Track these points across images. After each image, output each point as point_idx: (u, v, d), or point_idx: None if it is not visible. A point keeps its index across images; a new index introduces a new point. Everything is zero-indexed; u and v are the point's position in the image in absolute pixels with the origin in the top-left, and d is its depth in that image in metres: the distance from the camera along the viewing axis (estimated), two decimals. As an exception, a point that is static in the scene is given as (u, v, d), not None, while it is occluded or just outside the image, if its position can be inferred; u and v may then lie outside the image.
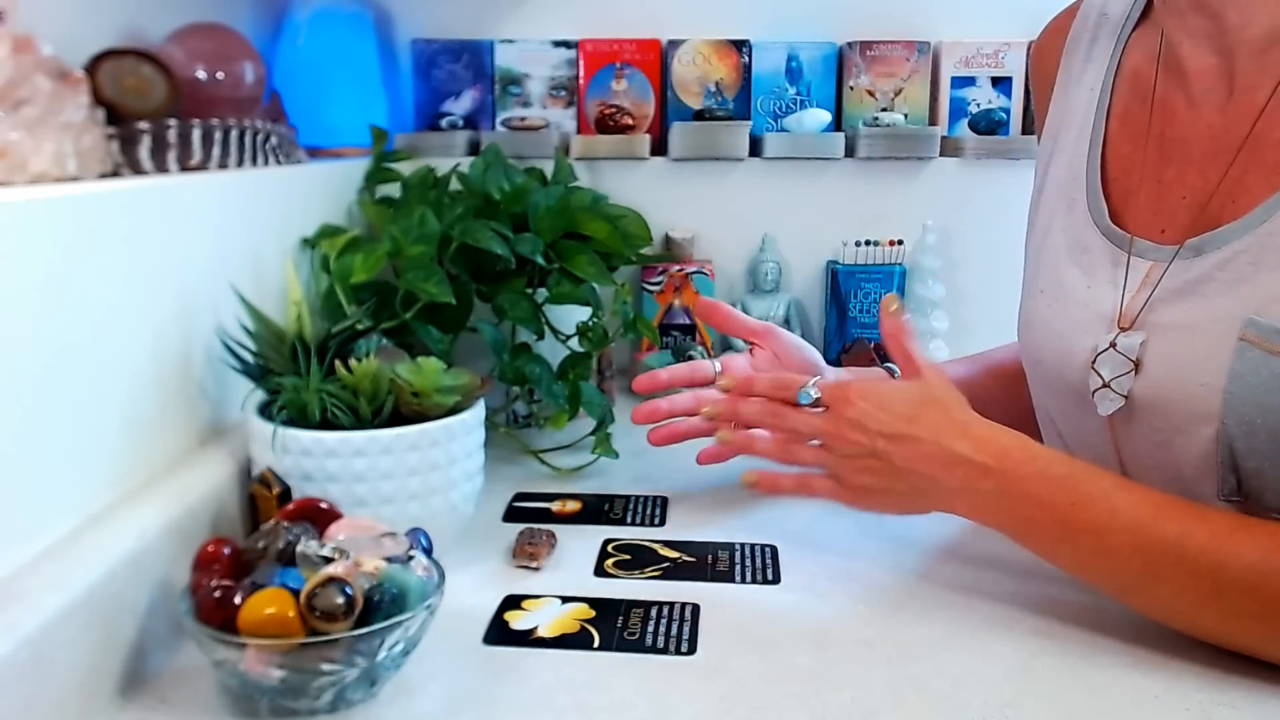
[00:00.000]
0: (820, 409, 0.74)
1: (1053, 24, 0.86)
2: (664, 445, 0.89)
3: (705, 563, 0.76)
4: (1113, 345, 0.68)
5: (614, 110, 1.29)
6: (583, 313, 0.99)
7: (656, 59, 1.33)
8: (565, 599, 0.70)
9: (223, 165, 0.86)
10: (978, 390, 0.85)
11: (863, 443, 0.70)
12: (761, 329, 0.93)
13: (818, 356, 0.93)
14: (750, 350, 0.94)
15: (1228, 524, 0.59)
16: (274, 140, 0.95)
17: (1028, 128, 1.32)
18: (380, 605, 0.55)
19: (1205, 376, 0.63)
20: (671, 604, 0.69)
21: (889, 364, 0.92)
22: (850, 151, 1.30)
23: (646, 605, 0.69)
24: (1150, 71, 0.74)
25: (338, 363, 0.72)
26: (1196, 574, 0.58)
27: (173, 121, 0.79)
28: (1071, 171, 0.77)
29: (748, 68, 1.32)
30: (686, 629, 0.66)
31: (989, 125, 1.30)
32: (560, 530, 0.81)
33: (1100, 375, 0.69)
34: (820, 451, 0.74)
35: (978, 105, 1.33)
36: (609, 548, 0.79)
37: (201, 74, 0.88)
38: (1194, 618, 0.60)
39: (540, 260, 0.97)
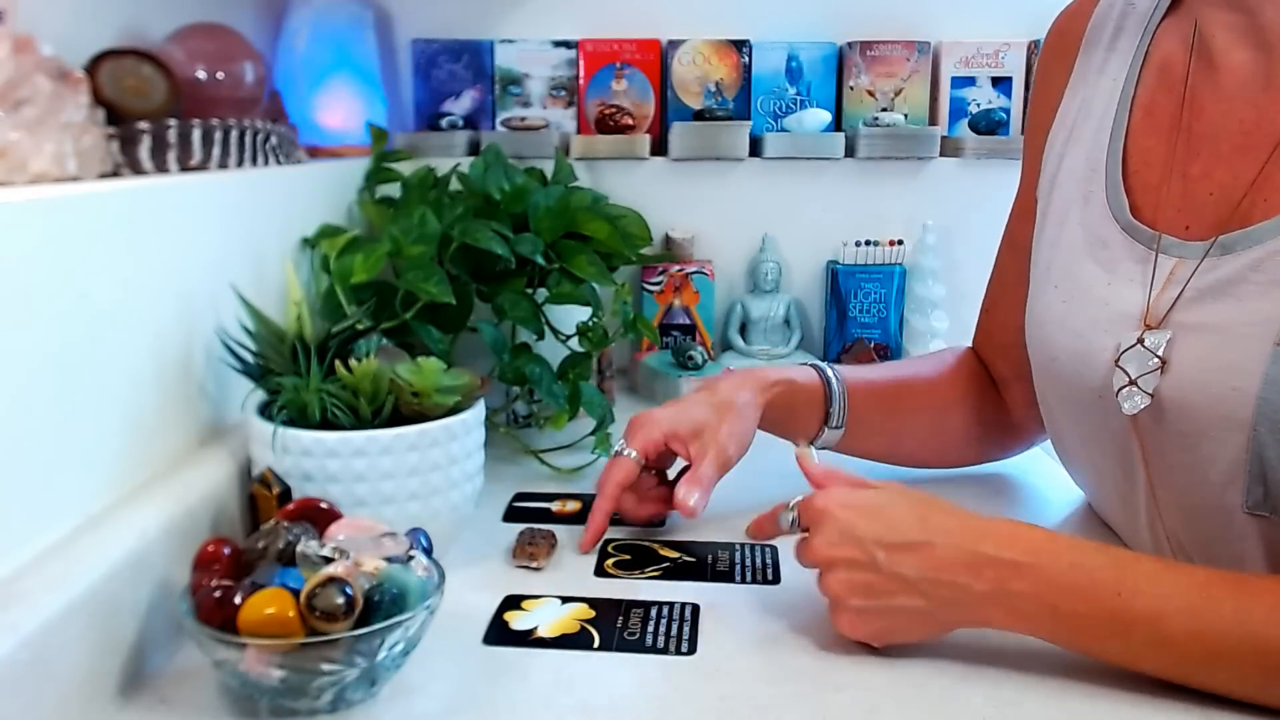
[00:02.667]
0: (801, 536, 0.66)
1: (1073, 8, 0.84)
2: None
3: (705, 563, 0.76)
4: (1140, 342, 0.66)
5: (614, 110, 1.29)
6: (583, 313, 0.99)
7: (656, 59, 1.33)
8: (565, 599, 0.70)
9: (223, 165, 0.86)
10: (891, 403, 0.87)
11: (856, 557, 0.61)
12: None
13: None
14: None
15: None
16: (274, 140, 0.95)
17: (1028, 128, 1.32)
18: (380, 605, 0.55)
19: (1237, 380, 0.61)
20: (671, 604, 0.69)
21: None
22: (850, 151, 1.30)
23: (646, 605, 0.69)
24: (1181, 62, 0.72)
25: (338, 363, 0.71)
26: (1261, 652, 0.55)
27: (173, 121, 0.79)
28: (1089, 163, 0.75)
29: (748, 68, 1.32)
30: (686, 629, 0.66)
31: (989, 125, 1.30)
32: (560, 530, 0.81)
33: (1126, 373, 0.67)
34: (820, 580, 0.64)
35: (978, 105, 1.33)
36: (609, 548, 0.79)
37: (201, 74, 0.88)
38: (1259, 695, 0.56)
39: (540, 260, 0.97)
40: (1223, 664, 0.56)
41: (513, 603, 0.70)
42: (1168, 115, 0.72)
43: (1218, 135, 0.68)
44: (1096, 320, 0.71)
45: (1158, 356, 0.65)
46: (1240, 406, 0.61)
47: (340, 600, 0.53)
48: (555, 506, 0.88)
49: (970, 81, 1.33)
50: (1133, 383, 0.66)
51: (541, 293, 0.98)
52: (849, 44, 1.32)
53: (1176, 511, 0.69)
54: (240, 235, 0.83)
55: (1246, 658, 0.55)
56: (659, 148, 1.32)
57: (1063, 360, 0.74)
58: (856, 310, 1.29)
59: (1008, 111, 1.32)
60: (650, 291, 1.29)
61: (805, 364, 0.89)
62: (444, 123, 1.30)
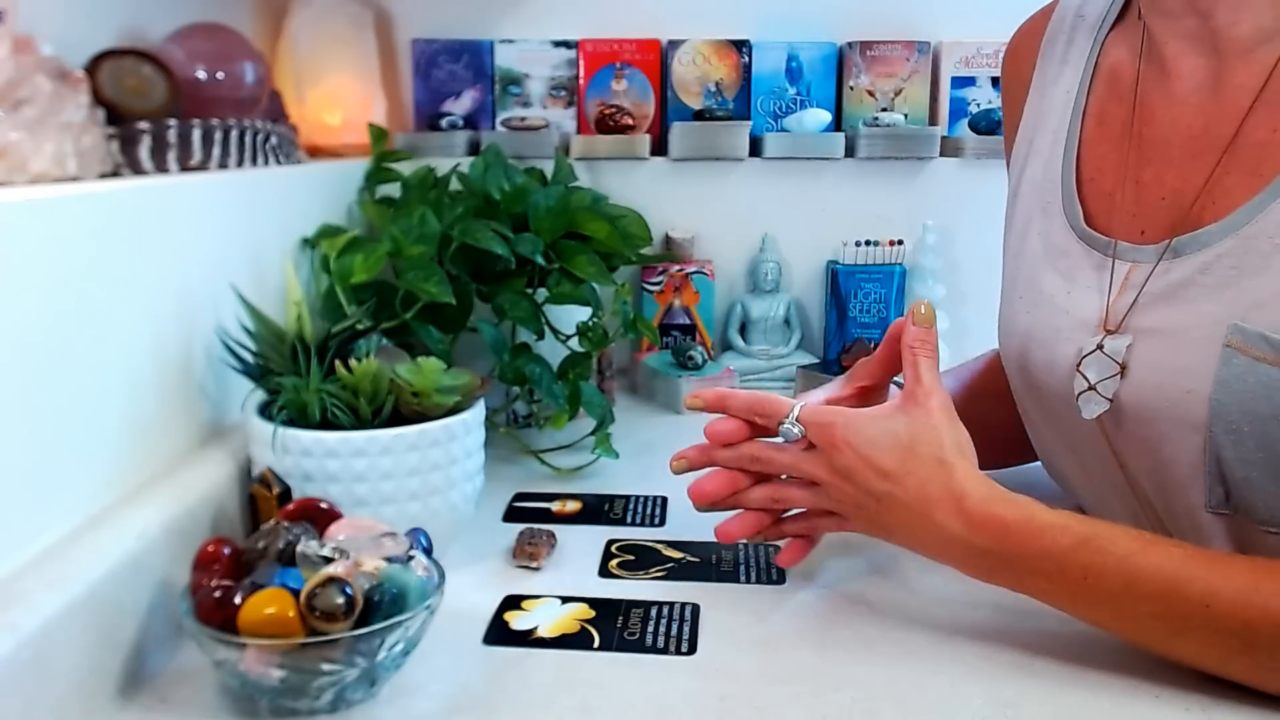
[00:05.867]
0: (805, 446, 0.69)
1: (1027, 25, 0.85)
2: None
3: (709, 563, 0.76)
4: (1100, 348, 0.67)
5: (614, 110, 1.29)
6: (583, 313, 0.99)
7: (656, 59, 1.33)
8: (565, 599, 0.70)
9: (223, 165, 0.86)
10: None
11: (855, 496, 0.66)
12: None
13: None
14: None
15: (1253, 576, 0.56)
16: (274, 140, 0.95)
17: (1028, 128, 1.32)
18: (380, 605, 0.55)
19: (1191, 383, 0.62)
20: (671, 604, 0.69)
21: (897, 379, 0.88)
22: (850, 151, 1.30)
23: (646, 605, 0.69)
24: (1130, 70, 0.73)
25: (338, 363, 0.71)
26: (1224, 634, 0.56)
27: (173, 121, 0.79)
28: (1047, 175, 0.76)
29: (748, 68, 1.32)
30: (686, 629, 0.66)
31: (989, 125, 1.30)
32: (560, 530, 0.81)
33: (1086, 378, 0.68)
34: (816, 494, 0.69)
35: (978, 105, 1.33)
36: (613, 548, 0.79)
37: (201, 74, 0.88)
38: (1221, 669, 0.57)
39: (540, 260, 0.97)
40: (1184, 641, 0.57)
41: (513, 603, 0.70)
42: (1119, 123, 0.73)
43: (1168, 141, 0.69)
44: (1059, 328, 0.71)
45: (1117, 362, 0.66)
46: (1195, 409, 0.62)
47: (340, 600, 0.53)
48: (555, 506, 0.88)
49: (970, 81, 1.33)
50: (1092, 388, 0.67)
51: (541, 293, 0.98)
52: (849, 44, 1.32)
53: (1159, 510, 0.69)
54: (240, 235, 0.83)
55: (1209, 639, 0.56)
56: (659, 148, 1.32)
57: (1030, 370, 0.75)
58: (856, 310, 1.29)
59: (1008, 111, 1.32)
60: (650, 291, 1.29)
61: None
62: (444, 123, 1.30)
